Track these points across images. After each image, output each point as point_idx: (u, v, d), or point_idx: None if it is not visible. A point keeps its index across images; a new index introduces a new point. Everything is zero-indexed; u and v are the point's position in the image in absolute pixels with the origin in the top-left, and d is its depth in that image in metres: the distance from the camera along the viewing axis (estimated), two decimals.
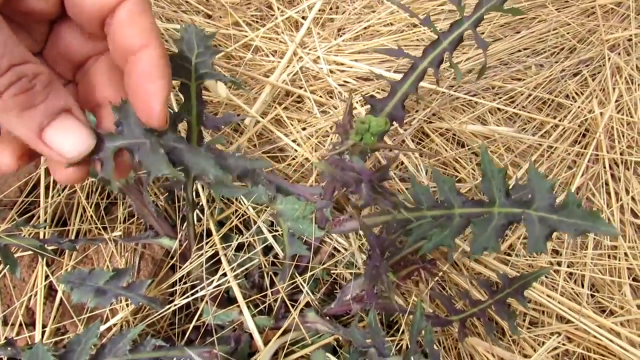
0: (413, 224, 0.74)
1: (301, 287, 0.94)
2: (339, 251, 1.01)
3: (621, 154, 1.22)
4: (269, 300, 0.95)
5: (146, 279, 0.87)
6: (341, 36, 1.29)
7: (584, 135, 1.26)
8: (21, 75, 0.40)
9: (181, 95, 0.70)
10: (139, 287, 0.83)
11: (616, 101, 1.29)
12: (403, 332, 0.95)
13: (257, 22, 1.34)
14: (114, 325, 0.92)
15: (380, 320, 1.01)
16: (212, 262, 0.96)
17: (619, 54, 1.39)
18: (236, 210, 1.04)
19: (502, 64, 1.32)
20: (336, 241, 1.01)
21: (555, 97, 1.29)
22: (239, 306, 0.92)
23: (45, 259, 0.98)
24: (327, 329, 0.91)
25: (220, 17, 1.32)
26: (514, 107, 1.25)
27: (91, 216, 1.05)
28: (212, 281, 0.92)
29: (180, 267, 0.96)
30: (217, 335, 0.92)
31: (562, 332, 1.00)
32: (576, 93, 1.32)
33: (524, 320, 1.03)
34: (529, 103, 1.28)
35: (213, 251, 0.96)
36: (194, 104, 0.70)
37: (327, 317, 0.94)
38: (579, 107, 1.28)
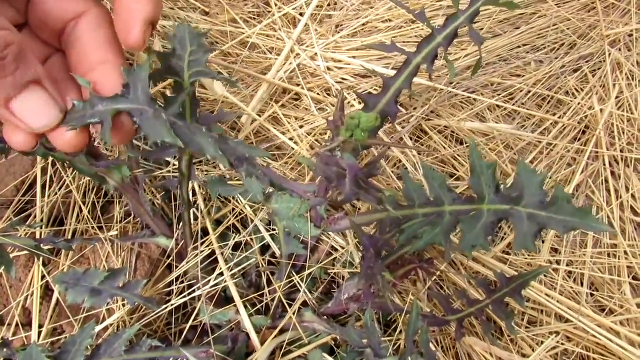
0: (405, 222, 0.73)
1: (299, 286, 0.94)
2: (336, 250, 1.01)
3: (621, 151, 1.21)
4: (267, 299, 0.95)
5: (142, 279, 0.87)
6: (339, 33, 1.28)
7: (583, 132, 1.25)
8: None
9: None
10: (135, 287, 0.82)
11: (616, 97, 1.28)
12: (401, 331, 0.95)
13: (254, 18, 1.33)
14: (111, 325, 0.92)
15: (378, 319, 1.00)
16: (209, 261, 0.95)
17: (620, 49, 1.37)
18: (233, 209, 1.04)
19: (502, 60, 1.31)
20: (334, 240, 1.00)
21: (555, 93, 1.28)
22: (236, 306, 0.91)
23: (42, 259, 0.97)
24: (324, 328, 0.91)
25: (217, 13, 1.32)
26: (513, 104, 1.24)
27: (87, 215, 1.05)
28: (209, 281, 0.92)
29: (177, 267, 0.96)
30: (214, 335, 0.91)
31: (561, 331, 1.00)
32: (576, 89, 1.31)
33: (523, 320, 1.02)
34: (529, 100, 1.27)
35: (210, 250, 0.95)
36: (188, 102, 0.69)
37: (325, 317, 0.94)
38: (579, 103, 1.27)
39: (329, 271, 1.02)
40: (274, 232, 0.99)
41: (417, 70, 0.87)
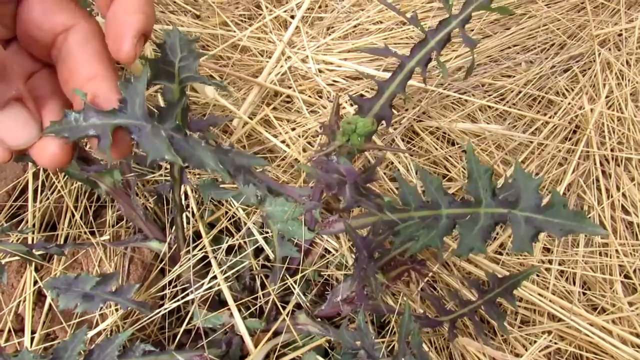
0: (400, 225, 0.73)
1: (292, 289, 0.94)
2: (329, 252, 1.01)
3: (612, 150, 1.21)
4: (260, 302, 0.95)
5: (135, 283, 0.87)
6: (330, 35, 1.28)
7: (574, 132, 1.26)
8: None
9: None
10: (127, 292, 0.82)
11: (606, 97, 1.29)
12: (394, 333, 0.95)
13: (245, 21, 1.33)
14: (104, 330, 0.92)
15: (371, 321, 1.01)
16: (202, 264, 0.95)
17: (609, 49, 1.38)
18: (226, 212, 1.04)
19: (492, 61, 1.31)
20: (327, 242, 1.00)
21: (545, 93, 1.29)
22: (229, 309, 0.91)
23: (34, 264, 0.97)
24: (318, 330, 0.91)
25: (208, 17, 1.32)
26: (504, 105, 1.25)
27: (80, 220, 1.04)
28: (203, 284, 0.92)
29: (170, 271, 0.95)
30: (208, 339, 0.91)
31: (554, 330, 1.00)
32: (566, 89, 1.31)
33: (516, 319, 1.03)
34: (519, 100, 1.27)
35: (203, 254, 0.95)
36: (179, 110, 0.69)
37: (319, 319, 0.94)
38: (569, 103, 1.27)
39: (322, 273, 1.02)
40: (267, 235, 0.99)
41: (411, 74, 0.88)
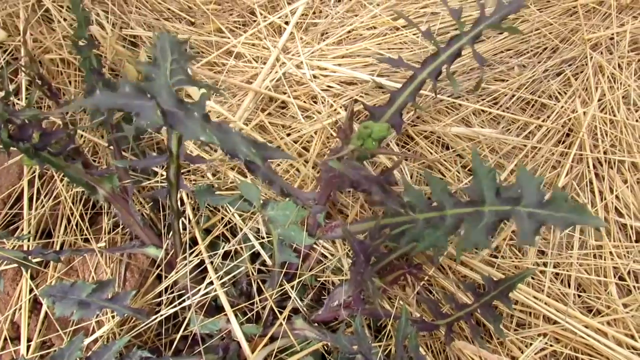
0: (404, 226, 0.76)
1: (289, 293, 0.94)
2: (326, 257, 1.01)
3: (605, 152, 1.22)
4: (257, 307, 0.95)
5: (131, 290, 0.87)
6: (324, 40, 1.29)
7: (567, 135, 1.27)
8: None
9: None
10: (123, 299, 0.82)
11: (599, 100, 1.30)
12: (391, 336, 0.95)
13: (239, 28, 1.33)
14: (100, 337, 0.91)
15: (368, 325, 1.01)
16: (198, 270, 0.96)
17: (601, 52, 1.39)
18: (222, 218, 1.04)
19: (486, 65, 1.32)
20: (323, 247, 1.01)
21: (538, 97, 1.30)
22: (226, 314, 0.91)
23: (29, 272, 0.97)
24: (315, 335, 0.91)
25: (203, 24, 1.32)
26: (498, 109, 1.26)
27: (75, 227, 1.04)
28: (199, 290, 0.92)
29: (166, 277, 0.95)
30: (205, 345, 0.91)
31: (549, 333, 1.01)
32: (559, 93, 1.32)
33: (511, 322, 1.03)
34: (513, 104, 1.28)
35: (200, 259, 0.95)
36: None
37: (315, 324, 0.94)
38: (562, 107, 1.28)
39: (318, 278, 1.02)
40: (264, 240, 0.99)
41: (422, 85, 0.93)
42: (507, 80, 1.30)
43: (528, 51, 1.36)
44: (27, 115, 0.80)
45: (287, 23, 1.31)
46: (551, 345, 1.00)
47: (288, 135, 1.14)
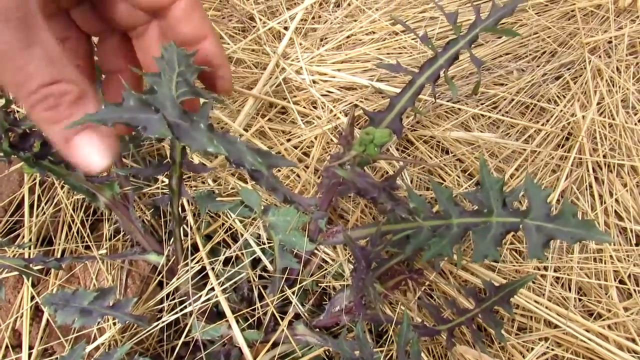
0: (406, 232, 0.76)
1: (291, 299, 0.94)
2: (327, 262, 1.01)
3: (604, 156, 1.23)
4: (258, 313, 0.95)
5: (133, 297, 0.87)
6: (324, 46, 1.29)
7: (567, 139, 1.27)
8: (48, 95, 0.44)
9: None
10: (125, 306, 0.82)
11: (598, 104, 1.30)
12: (392, 342, 0.95)
13: (239, 34, 1.34)
14: (102, 344, 0.91)
15: (369, 330, 1.01)
16: (200, 276, 0.96)
17: (600, 56, 1.40)
18: (223, 224, 1.04)
19: (485, 70, 1.33)
20: (324, 252, 1.01)
21: (537, 101, 1.30)
22: (227, 321, 0.91)
23: (31, 280, 0.97)
24: (316, 341, 0.91)
25: None
26: (497, 113, 1.26)
27: (77, 234, 1.04)
28: (200, 296, 0.92)
29: (167, 283, 0.95)
30: (206, 351, 0.91)
31: (551, 337, 1.01)
32: (558, 97, 1.33)
33: (512, 327, 1.03)
34: (512, 108, 1.28)
35: (201, 266, 0.95)
36: None
37: (317, 329, 0.94)
38: (561, 110, 1.29)
39: (319, 283, 1.02)
40: (265, 246, 0.99)
41: (421, 90, 0.93)
42: (506, 85, 1.31)
43: (527, 55, 1.36)
44: (29, 125, 0.80)
45: (286, 28, 1.31)
46: (552, 350, 1.00)
47: (288, 140, 1.15)
